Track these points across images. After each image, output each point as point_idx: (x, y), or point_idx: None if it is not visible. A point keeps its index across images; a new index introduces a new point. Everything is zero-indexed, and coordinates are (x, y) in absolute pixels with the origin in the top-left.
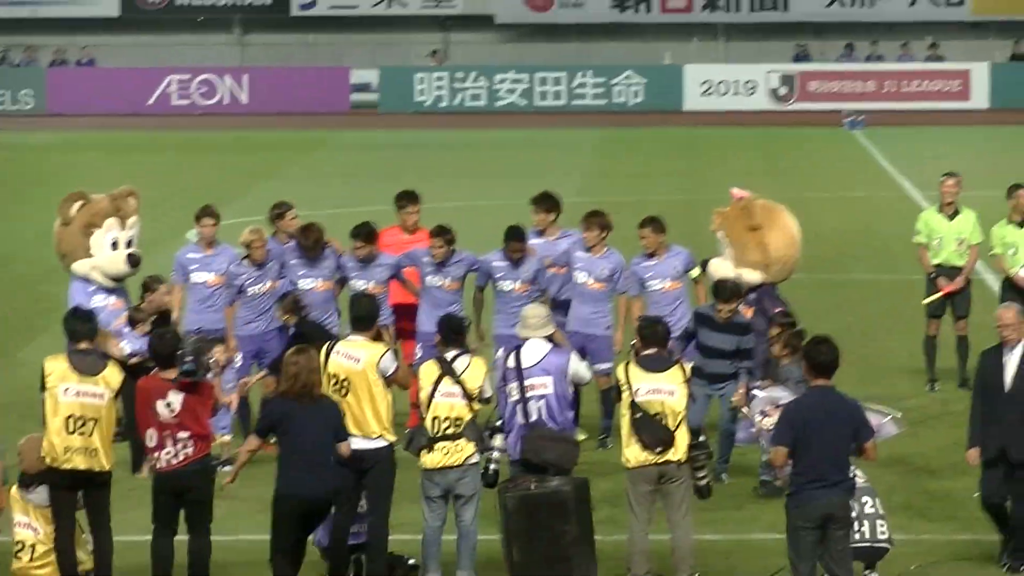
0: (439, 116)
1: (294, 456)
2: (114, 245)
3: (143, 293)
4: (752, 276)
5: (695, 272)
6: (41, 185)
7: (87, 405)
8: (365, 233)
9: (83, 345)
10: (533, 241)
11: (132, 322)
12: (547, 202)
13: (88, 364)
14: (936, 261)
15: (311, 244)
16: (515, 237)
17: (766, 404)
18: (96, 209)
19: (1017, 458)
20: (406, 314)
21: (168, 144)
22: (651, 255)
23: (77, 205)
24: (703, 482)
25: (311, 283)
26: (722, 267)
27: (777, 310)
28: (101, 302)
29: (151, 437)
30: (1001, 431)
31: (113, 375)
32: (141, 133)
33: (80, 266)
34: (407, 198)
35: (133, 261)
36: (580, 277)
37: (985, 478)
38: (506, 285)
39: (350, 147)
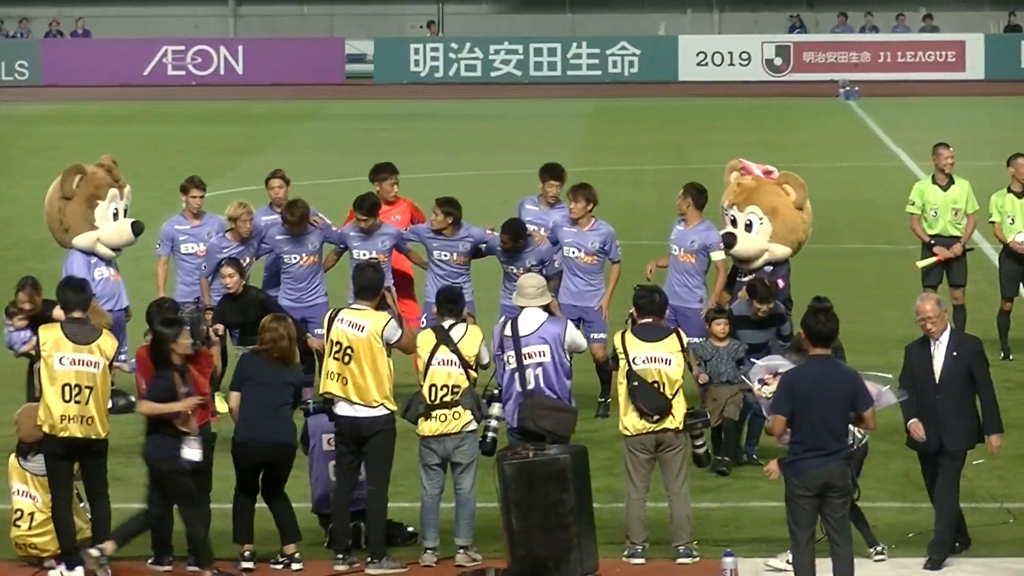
0: (434, 87)
1: (255, 405)
2: (115, 216)
3: (18, 291)
4: (783, 252)
5: (719, 255)
6: (35, 157)
7: (82, 373)
8: (369, 205)
9: (76, 314)
10: (529, 209)
11: (9, 315)
12: (553, 172)
13: (82, 333)
14: (932, 232)
15: (296, 220)
16: (505, 231)
17: (764, 372)
18: (98, 181)
19: (952, 447)
20: (400, 282)
21: (163, 115)
22: (575, 223)
23: (78, 178)
24: (701, 450)
25: (296, 258)
26: (754, 242)
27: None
28: (102, 275)
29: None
30: (935, 422)
31: (107, 343)
32: (136, 104)
33: (83, 239)
34: (386, 169)
35: (138, 229)
36: (570, 252)
37: (924, 472)
38: (507, 268)
39: (345, 118)
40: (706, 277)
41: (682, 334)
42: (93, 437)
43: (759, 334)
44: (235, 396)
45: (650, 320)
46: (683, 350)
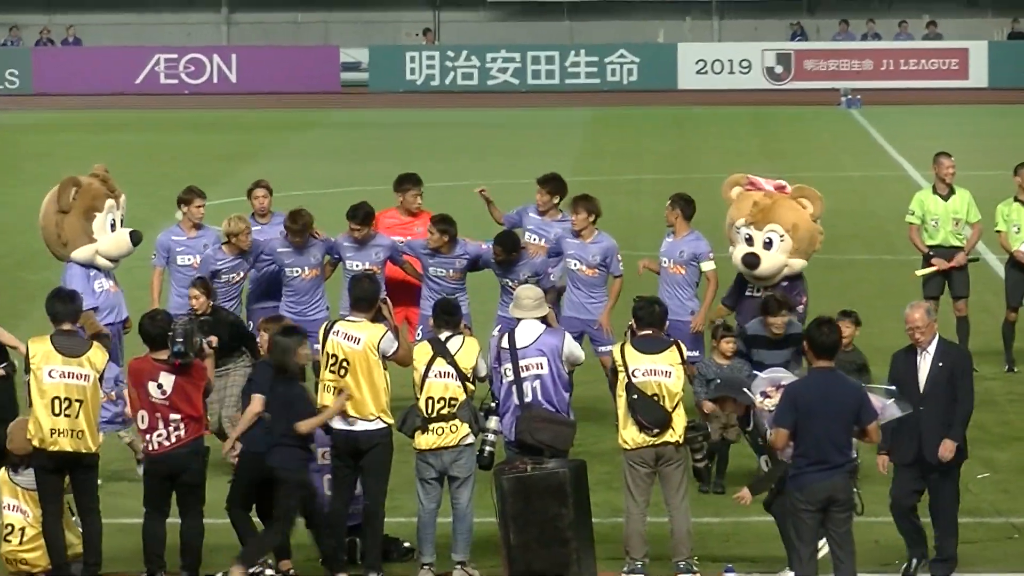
0: (430, 95)
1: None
2: (112, 226)
3: None
4: (800, 265)
5: (709, 265)
6: (27, 165)
7: (72, 386)
8: (363, 214)
9: (66, 326)
10: (531, 217)
11: None
12: (552, 184)
13: (72, 345)
14: (933, 242)
15: (299, 228)
16: (498, 243)
17: (767, 385)
18: (95, 192)
19: (934, 461)
20: (397, 290)
21: (156, 124)
22: (577, 234)
23: (74, 191)
24: (701, 464)
25: (298, 271)
26: (777, 261)
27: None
28: (102, 287)
29: (142, 419)
30: (918, 434)
31: (97, 356)
32: (128, 113)
33: (82, 252)
34: (410, 180)
35: (136, 239)
36: (572, 264)
37: (898, 481)
38: (502, 280)
39: (340, 126)
40: (698, 289)
41: (682, 346)
42: (83, 451)
43: (777, 354)
44: (259, 400)
45: (650, 332)
46: (683, 362)
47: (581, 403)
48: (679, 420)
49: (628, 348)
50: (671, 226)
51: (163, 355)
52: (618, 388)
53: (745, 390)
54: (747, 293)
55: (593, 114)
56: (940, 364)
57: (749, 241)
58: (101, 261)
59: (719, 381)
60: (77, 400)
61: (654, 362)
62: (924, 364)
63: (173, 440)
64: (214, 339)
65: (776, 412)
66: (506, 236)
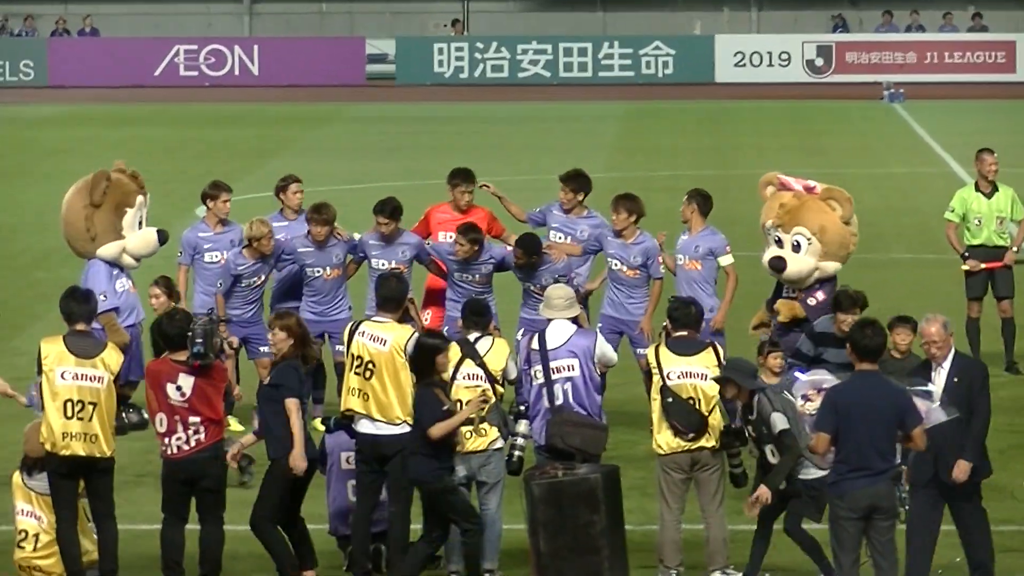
0: (459, 88)
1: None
2: (140, 224)
3: None
4: (833, 268)
5: (727, 259)
6: (42, 162)
7: (85, 389)
8: (391, 209)
9: (80, 327)
10: (556, 215)
11: None
12: (575, 181)
13: (85, 346)
14: (976, 241)
15: (324, 219)
16: (519, 245)
17: (808, 388)
18: (127, 188)
19: (950, 481)
20: (439, 297)
21: (175, 118)
22: (619, 234)
23: (105, 185)
24: (738, 470)
25: (319, 271)
26: (806, 264)
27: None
28: (124, 286)
29: (161, 422)
30: (933, 454)
31: (112, 357)
32: (146, 106)
33: (109, 249)
34: (461, 176)
35: (163, 238)
36: (613, 264)
37: (915, 502)
38: (527, 285)
39: (365, 121)
40: (717, 287)
41: (719, 348)
42: (97, 455)
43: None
44: (295, 403)
45: (685, 333)
46: (720, 364)
47: (613, 406)
48: (715, 424)
49: (663, 350)
50: (686, 222)
51: (182, 356)
52: (652, 391)
53: (785, 392)
54: (783, 295)
55: (627, 108)
56: (956, 380)
57: (779, 243)
58: (127, 259)
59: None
60: (91, 403)
61: (689, 364)
62: (939, 380)
63: (193, 444)
64: (235, 340)
65: (817, 416)
66: (527, 239)
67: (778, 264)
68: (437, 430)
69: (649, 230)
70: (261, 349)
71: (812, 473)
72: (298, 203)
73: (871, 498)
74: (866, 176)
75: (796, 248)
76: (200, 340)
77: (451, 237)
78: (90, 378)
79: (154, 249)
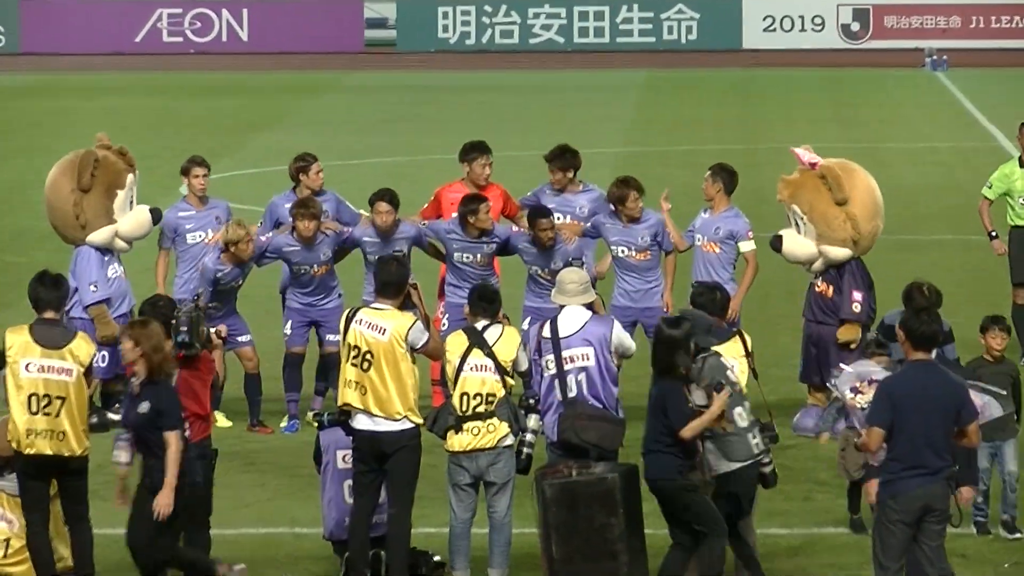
0: (465, 56)
1: None
2: (131, 204)
3: None
4: (839, 254)
5: (747, 245)
6: (13, 136)
7: (52, 382)
8: (390, 197)
9: (49, 315)
10: (550, 196)
11: None
12: (561, 160)
13: (53, 336)
14: (1019, 222)
15: (312, 214)
16: (539, 215)
17: (855, 380)
18: (116, 168)
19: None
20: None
21: (158, 88)
22: (617, 216)
23: (92, 168)
24: (768, 469)
25: (306, 268)
26: (802, 245)
27: (871, 337)
28: (116, 272)
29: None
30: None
31: (82, 348)
32: (127, 75)
33: (101, 235)
34: (477, 149)
35: (157, 217)
36: (619, 251)
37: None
38: (535, 270)
39: (363, 91)
40: (735, 271)
41: (746, 336)
42: (66, 454)
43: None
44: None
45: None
46: (748, 354)
47: (632, 399)
48: None
49: None
50: (710, 200)
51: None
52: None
53: (830, 385)
54: (810, 279)
55: (647, 77)
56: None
57: (787, 220)
58: (119, 244)
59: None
60: (58, 397)
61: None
62: None
63: None
64: (223, 328)
65: (870, 409)
66: (541, 209)
67: (774, 243)
68: (689, 431)
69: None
70: (239, 339)
71: (725, 467)
72: (320, 185)
73: (925, 499)
74: (905, 151)
75: (798, 228)
76: (185, 328)
77: None
78: (57, 370)
79: (148, 230)
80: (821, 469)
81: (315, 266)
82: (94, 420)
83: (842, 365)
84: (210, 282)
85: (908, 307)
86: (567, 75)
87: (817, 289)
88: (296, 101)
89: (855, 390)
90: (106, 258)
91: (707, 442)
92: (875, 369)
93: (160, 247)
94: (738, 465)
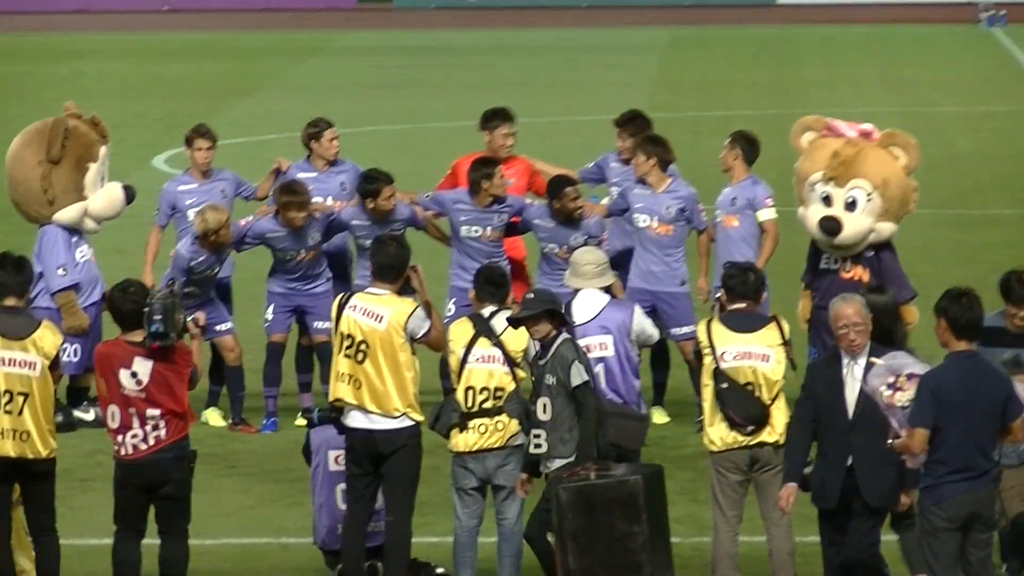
0: (469, 13)
1: None
2: (102, 180)
3: None
4: (889, 230)
5: (767, 213)
6: None
7: (14, 376)
8: (382, 180)
9: (10, 302)
10: (615, 167)
11: None
12: (633, 124)
13: (15, 326)
14: None
15: (301, 201)
16: (564, 184)
17: (888, 374)
18: (88, 139)
19: (875, 503)
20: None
21: (127, 49)
22: (644, 182)
23: (63, 138)
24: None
25: (292, 254)
26: (860, 225)
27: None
28: (84, 255)
29: (113, 416)
30: (846, 469)
31: (47, 339)
32: (94, 36)
33: (69, 212)
34: (499, 116)
35: (131, 195)
36: (640, 220)
37: (827, 535)
38: (551, 248)
39: (357, 52)
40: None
41: (783, 323)
42: (31, 456)
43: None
44: None
45: (743, 305)
46: (785, 343)
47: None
48: (779, 415)
49: (716, 326)
50: (727, 170)
51: (138, 336)
52: (703, 375)
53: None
54: (822, 265)
55: (672, 36)
56: None
57: (827, 201)
58: (88, 223)
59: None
60: (20, 393)
61: (748, 343)
62: (853, 378)
63: (152, 442)
64: (201, 317)
65: (913, 408)
66: (562, 180)
67: (831, 226)
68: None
69: (692, 178)
70: (217, 327)
71: (557, 462)
72: (335, 153)
73: (972, 504)
74: (959, 116)
75: (851, 206)
76: (159, 317)
77: None
78: (20, 363)
79: (120, 209)
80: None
81: (302, 251)
82: (60, 419)
83: (872, 359)
84: (183, 271)
85: (1006, 301)
86: (583, 34)
87: (844, 276)
88: (283, 64)
89: (893, 386)
90: (74, 239)
91: None
92: (908, 362)
93: (154, 224)
94: None
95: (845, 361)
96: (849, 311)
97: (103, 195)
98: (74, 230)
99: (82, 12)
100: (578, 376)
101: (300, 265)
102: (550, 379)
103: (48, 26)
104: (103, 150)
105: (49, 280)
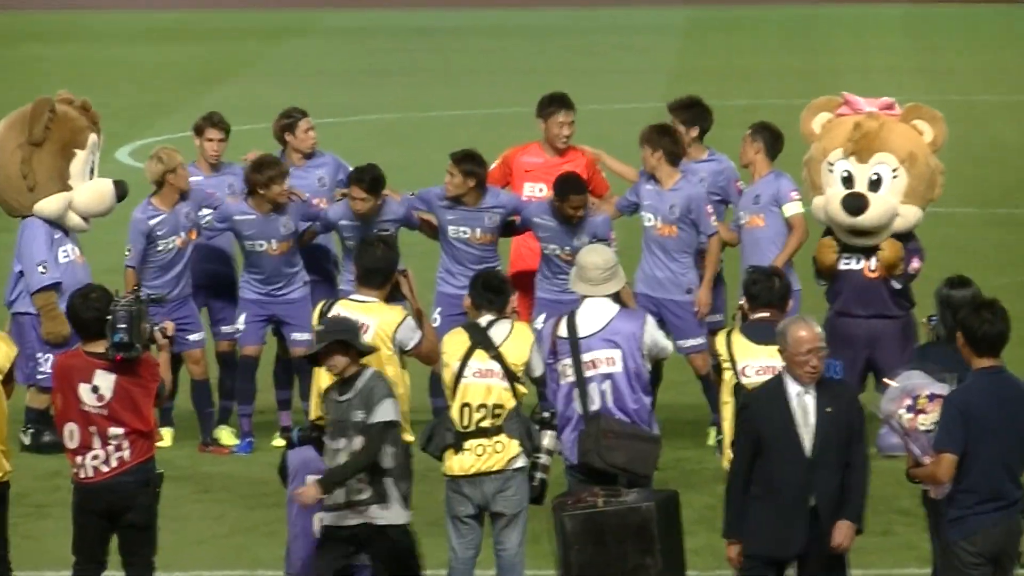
0: None
1: None
2: (92, 172)
3: None
4: (916, 216)
5: (793, 208)
6: None
7: None
8: (371, 179)
9: None
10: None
11: None
12: (688, 111)
13: None
14: None
15: (266, 180)
16: (572, 190)
17: (904, 396)
18: (77, 124)
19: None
20: (525, 284)
21: (91, 31)
22: (654, 178)
23: (46, 118)
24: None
25: (263, 245)
26: (886, 205)
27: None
28: (68, 255)
29: (72, 435)
30: (805, 514)
31: (1, 350)
32: (56, 15)
33: (51, 204)
34: (557, 102)
35: (123, 191)
36: (646, 219)
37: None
38: (548, 248)
39: (346, 33)
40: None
41: None
42: None
43: None
44: None
45: (767, 314)
46: None
47: (668, 412)
48: None
49: (737, 337)
50: (748, 165)
51: (100, 347)
52: (723, 392)
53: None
54: (843, 264)
55: (691, 17)
56: (828, 410)
57: (848, 181)
58: (73, 219)
59: None
60: None
61: (772, 356)
62: (804, 409)
63: (114, 464)
64: (169, 326)
65: (940, 432)
66: (571, 180)
67: (857, 203)
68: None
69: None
70: (189, 338)
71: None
72: (311, 146)
73: (1003, 537)
74: (1004, 105)
75: (875, 185)
76: (123, 326)
77: (542, 190)
78: None
79: (110, 206)
80: (904, 496)
81: (273, 242)
82: (47, 439)
83: (885, 380)
84: (143, 236)
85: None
86: (595, 14)
87: (869, 275)
88: (263, 46)
89: (913, 409)
90: (57, 236)
91: None
92: (926, 382)
93: None
94: None
95: (795, 391)
96: (810, 335)
97: (90, 187)
98: (58, 226)
99: None
100: (385, 414)
101: (271, 260)
102: (358, 415)
103: (8, 5)
104: (92, 138)
105: (30, 279)
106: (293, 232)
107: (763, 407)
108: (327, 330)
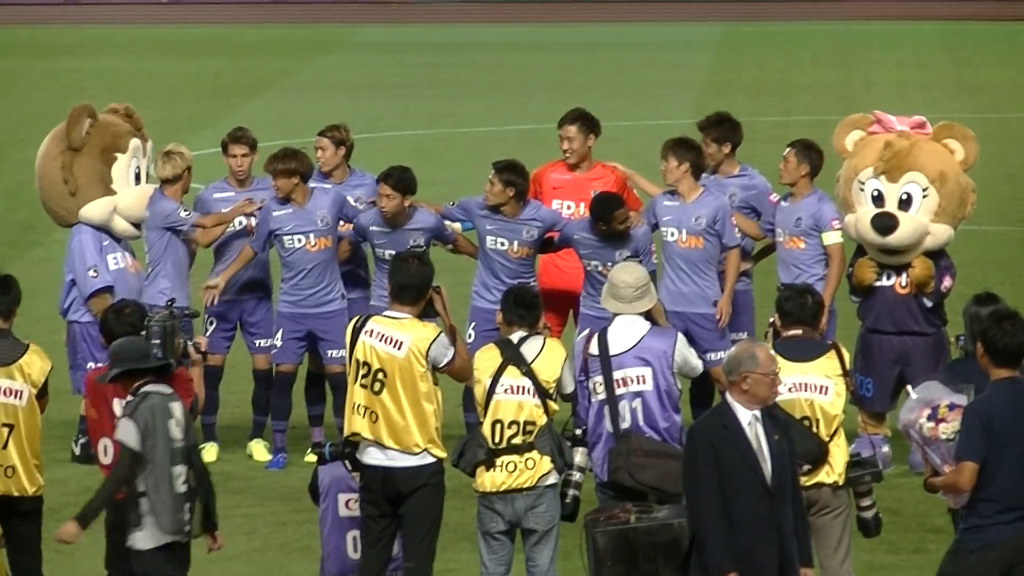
0: (499, 7)
1: None
2: (138, 178)
3: None
4: (947, 235)
5: (832, 237)
6: None
7: None
8: (397, 177)
9: None
10: (704, 176)
11: None
12: (718, 129)
13: (1, 350)
14: None
15: (290, 170)
16: (613, 207)
17: (922, 407)
18: (118, 129)
19: None
20: (553, 304)
21: (122, 44)
22: (674, 193)
23: (88, 123)
24: (869, 513)
25: (300, 241)
26: (916, 225)
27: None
28: (117, 263)
29: (106, 450)
30: (769, 551)
31: (35, 365)
32: (83, 29)
33: (96, 208)
34: (561, 119)
35: None
36: (668, 234)
37: None
38: (595, 265)
39: (375, 49)
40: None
41: (844, 352)
42: (15, 494)
43: None
44: None
45: (799, 331)
46: (845, 374)
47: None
48: (838, 453)
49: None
50: (791, 184)
51: None
52: None
53: (899, 422)
54: (877, 282)
55: (724, 32)
56: (776, 438)
57: (878, 200)
58: (120, 224)
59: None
60: (5, 425)
61: (804, 373)
62: (756, 436)
63: None
64: (203, 341)
65: (961, 440)
66: (607, 200)
67: (887, 223)
68: None
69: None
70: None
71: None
72: (320, 158)
73: (1020, 548)
74: None
75: (905, 204)
76: (158, 340)
77: (570, 207)
78: (5, 392)
79: None
80: (936, 514)
81: (312, 236)
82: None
83: (907, 388)
84: (178, 218)
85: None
86: (626, 29)
87: (900, 292)
88: (293, 62)
89: (934, 418)
90: (105, 242)
91: None
92: (945, 392)
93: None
94: None
95: (747, 419)
96: (770, 358)
97: (135, 192)
98: (107, 233)
99: (73, 3)
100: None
101: (309, 256)
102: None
103: (35, 18)
104: (134, 143)
105: (82, 284)
106: (332, 226)
107: (716, 435)
108: (113, 361)
